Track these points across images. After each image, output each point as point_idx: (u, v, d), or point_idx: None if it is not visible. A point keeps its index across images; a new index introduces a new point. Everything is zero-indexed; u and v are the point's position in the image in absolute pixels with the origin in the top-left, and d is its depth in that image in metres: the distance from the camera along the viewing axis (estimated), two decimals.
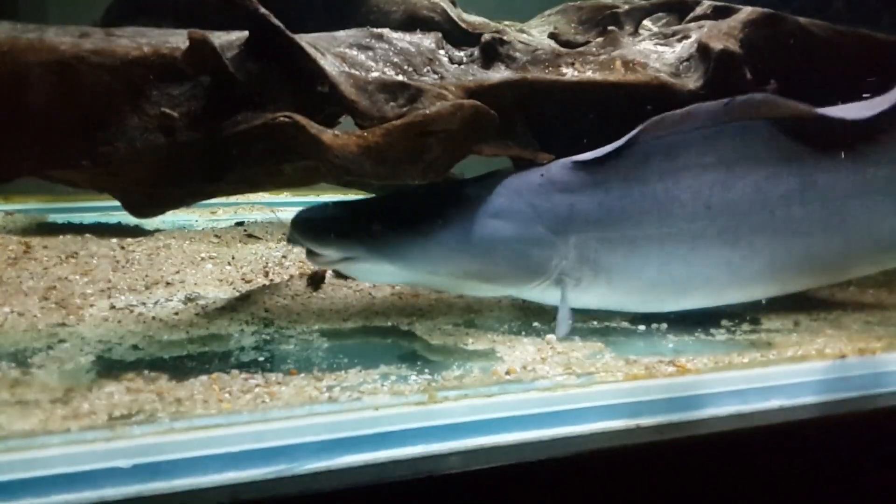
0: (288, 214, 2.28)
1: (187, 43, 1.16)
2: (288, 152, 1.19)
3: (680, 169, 1.38)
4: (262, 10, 1.20)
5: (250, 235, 1.96)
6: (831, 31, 1.56)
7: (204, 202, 2.39)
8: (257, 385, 1.12)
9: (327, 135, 1.18)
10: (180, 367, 1.19)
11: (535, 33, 1.83)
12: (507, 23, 1.96)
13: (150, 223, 2.07)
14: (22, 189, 2.30)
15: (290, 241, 1.31)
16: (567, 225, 1.37)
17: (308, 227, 1.31)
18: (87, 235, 1.84)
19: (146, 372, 1.14)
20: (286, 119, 1.17)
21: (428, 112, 1.20)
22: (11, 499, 0.86)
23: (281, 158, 1.21)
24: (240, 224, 2.10)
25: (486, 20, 1.81)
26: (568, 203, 1.37)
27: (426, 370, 1.20)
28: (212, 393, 1.08)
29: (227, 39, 1.27)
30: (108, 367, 1.17)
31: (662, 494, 1.10)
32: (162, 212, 1.42)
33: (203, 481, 0.92)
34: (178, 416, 1.01)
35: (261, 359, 1.24)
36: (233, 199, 2.45)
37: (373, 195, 1.62)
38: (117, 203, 1.58)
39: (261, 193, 2.51)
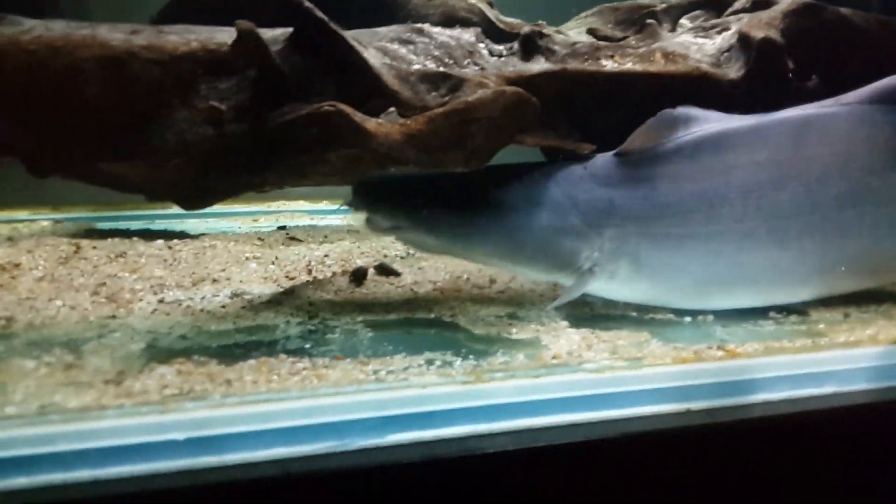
0: (329, 221, 2.35)
1: (235, 35, 1.19)
2: (333, 140, 1.21)
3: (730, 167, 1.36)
4: (307, 3, 1.23)
5: (292, 238, 1.98)
6: (873, 21, 1.55)
7: (246, 210, 2.46)
8: (305, 368, 1.13)
9: (371, 123, 1.20)
10: (228, 353, 1.21)
11: (573, 34, 1.85)
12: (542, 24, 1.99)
13: (195, 228, 2.11)
14: (69, 199, 2.35)
15: (349, 204, 1.37)
16: (604, 218, 1.37)
17: (365, 193, 1.39)
18: (135, 239, 1.88)
19: (196, 357, 1.16)
20: (331, 108, 1.19)
21: (470, 99, 1.21)
22: (68, 469, 0.88)
23: (326, 147, 1.23)
24: (282, 228, 2.13)
25: (522, 22, 1.83)
26: (607, 197, 1.37)
27: (471, 356, 1.19)
28: (260, 375, 1.09)
29: (273, 35, 1.30)
30: (158, 354, 1.19)
31: (711, 478, 1.09)
32: (211, 203, 1.44)
33: (254, 456, 0.93)
34: (228, 394, 1.03)
35: (307, 346, 1.25)
36: (274, 206, 2.49)
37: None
38: (162, 211, 1.64)
39: (301, 202, 2.55)
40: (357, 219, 2.30)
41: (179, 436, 0.92)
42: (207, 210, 2.37)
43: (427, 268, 1.71)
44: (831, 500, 1.15)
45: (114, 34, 1.26)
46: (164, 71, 1.25)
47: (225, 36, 1.28)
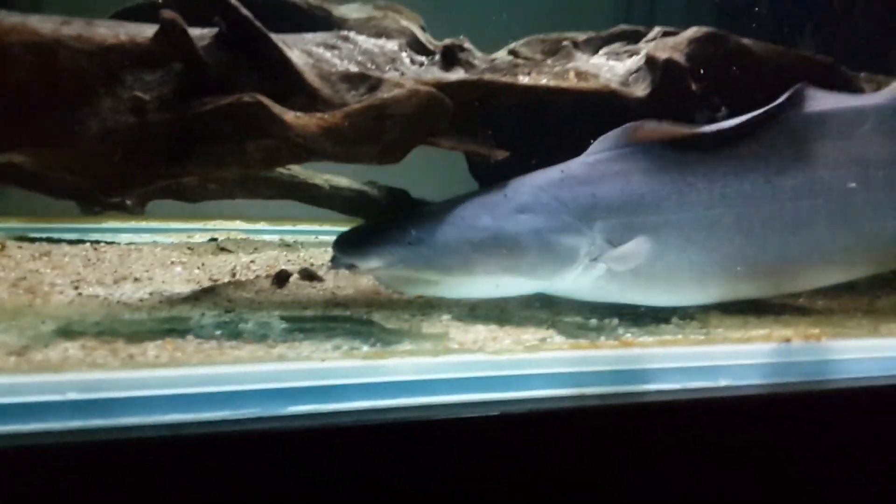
0: (265, 235, 2.38)
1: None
2: (251, 130, 1.26)
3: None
4: (234, 1, 1.29)
5: (223, 249, 2.00)
6: (772, 52, 1.66)
7: (182, 227, 2.47)
8: (211, 349, 1.15)
9: (289, 114, 1.25)
10: (137, 335, 1.22)
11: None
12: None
13: (124, 237, 2.12)
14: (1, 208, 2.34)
15: (333, 262, 1.41)
16: (591, 211, 1.46)
17: (349, 244, 1.42)
18: (63, 244, 1.88)
19: (103, 336, 1.17)
20: (250, 98, 1.23)
21: (385, 96, 1.27)
22: None
23: (245, 137, 1.27)
24: (213, 240, 2.14)
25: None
26: (590, 192, 1.46)
27: (379, 344, 1.23)
28: (164, 350, 1.11)
29: (201, 32, 1.35)
30: (67, 334, 1.20)
31: (603, 459, 1.13)
32: (131, 192, 1.47)
33: (149, 420, 0.95)
34: (128, 364, 1.04)
35: (217, 332, 1.27)
36: (211, 224, 2.50)
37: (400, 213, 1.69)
38: (96, 225, 1.65)
39: (238, 221, 2.57)
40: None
41: (73, 396, 0.93)
42: (142, 225, 2.38)
43: (351, 276, 1.74)
44: (715, 486, 1.20)
45: (44, 24, 1.29)
46: (91, 61, 1.28)
47: (154, 30, 1.33)
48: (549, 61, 1.61)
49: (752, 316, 1.56)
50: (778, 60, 1.67)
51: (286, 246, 2.13)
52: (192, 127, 1.26)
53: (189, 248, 1.99)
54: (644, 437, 1.15)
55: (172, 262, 1.77)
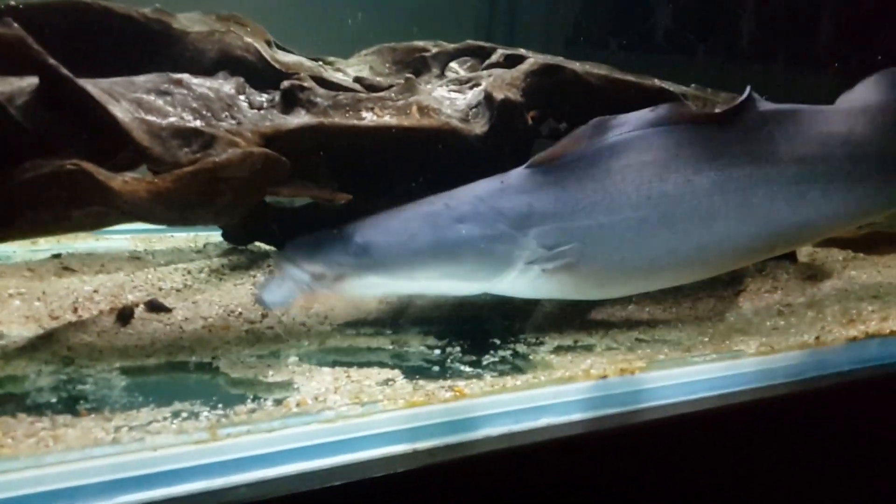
0: (114, 243, 2.31)
1: None
2: (76, 199, 1.22)
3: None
4: (51, 60, 1.23)
5: (66, 268, 1.94)
6: (605, 80, 1.75)
7: None
8: (43, 429, 1.14)
9: (116, 181, 1.22)
10: None
11: (351, 71, 1.93)
12: (329, 59, 2.06)
13: None
14: None
15: (277, 267, 1.48)
16: (527, 220, 1.57)
17: (297, 252, 1.49)
18: None
19: None
20: (73, 166, 1.20)
21: (218, 160, 1.27)
22: None
23: (70, 205, 1.23)
24: (56, 256, 2.07)
25: (301, 60, 1.89)
26: (527, 202, 1.58)
27: (220, 405, 1.25)
28: None
29: (19, 86, 1.28)
30: None
31: None
32: None
33: None
34: None
35: (54, 400, 1.26)
36: None
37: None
38: None
39: None
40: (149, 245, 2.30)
41: None
42: None
43: (201, 301, 1.74)
44: None
45: None
46: None
47: None
48: (392, 93, 1.63)
49: (583, 332, 1.69)
50: (609, 87, 1.76)
51: (135, 259, 2.09)
52: (14, 194, 1.21)
53: (30, 270, 1.91)
54: (473, 485, 1.25)
55: (10, 295, 1.70)
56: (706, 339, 1.69)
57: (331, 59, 2.05)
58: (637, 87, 1.79)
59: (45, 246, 2.25)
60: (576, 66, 1.74)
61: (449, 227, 1.55)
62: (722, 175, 1.68)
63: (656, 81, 1.85)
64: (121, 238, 2.33)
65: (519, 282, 1.62)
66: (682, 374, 1.50)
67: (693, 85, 2.07)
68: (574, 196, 1.60)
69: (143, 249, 2.21)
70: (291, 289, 1.51)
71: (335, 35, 2.43)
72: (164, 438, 1.12)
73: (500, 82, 1.61)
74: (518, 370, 1.49)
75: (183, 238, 2.38)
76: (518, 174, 1.62)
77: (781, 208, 1.74)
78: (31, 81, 1.30)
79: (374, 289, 1.61)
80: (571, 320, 1.75)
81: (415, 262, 1.55)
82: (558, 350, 1.60)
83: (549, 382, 1.40)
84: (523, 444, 1.29)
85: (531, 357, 1.56)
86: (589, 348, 1.62)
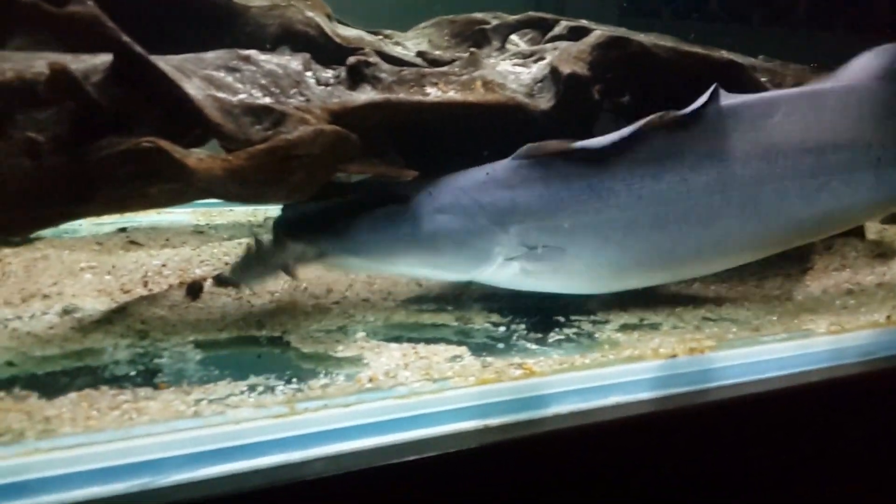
0: (176, 217, 2.34)
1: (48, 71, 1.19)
2: (153, 176, 1.24)
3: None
4: (125, 38, 1.24)
5: (132, 242, 1.98)
6: (673, 52, 1.71)
7: None
8: (126, 401, 1.17)
9: (192, 159, 1.24)
10: (52, 383, 1.23)
11: (410, 45, 1.92)
12: (386, 32, 2.04)
13: None
14: None
15: (274, 239, 1.51)
16: (508, 216, 1.53)
17: (286, 227, 1.51)
18: None
19: (16, 390, 1.18)
20: (149, 144, 1.21)
21: (290, 137, 1.27)
22: None
23: (146, 182, 1.25)
24: (122, 230, 2.11)
25: (361, 34, 1.88)
26: (509, 197, 1.53)
27: (294, 379, 1.27)
28: (80, 409, 1.13)
29: (93, 63, 1.30)
30: None
31: (510, 492, 1.22)
32: (32, 232, 1.44)
33: (68, 496, 0.98)
34: (45, 434, 1.06)
35: (132, 373, 1.29)
36: None
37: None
38: None
39: None
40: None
41: None
42: None
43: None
44: None
45: None
46: None
47: (42, 64, 1.27)
48: (456, 67, 1.61)
49: (649, 311, 1.67)
50: (678, 60, 1.72)
51: (199, 233, 2.12)
52: (93, 171, 1.23)
53: (98, 244, 1.95)
54: (543, 462, 1.25)
55: (82, 269, 1.74)
56: (774, 318, 1.66)
57: (387, 32, 2.04)
58: (705, 60, 1.75)
59: (110, 220, 2.30)
60: (642, 38, 1.70)
61: (428, 217, 1.52)
62: (723, 172, 1.59)
63: (724, 53, 1.80)
64: (182, 212, 2.37)
65: (500, 275, 1.58)
66: (752, 354, 1.47)
67: (761, 56, 2.01)
68: (559, 194, 1.54)
69: (205, 223, 2.24)
70: (264, 267, 1.54)
71: (387, 6, 2.40)
72: (245, 412, 1.14)
73: (567, 56, 1.59)
74: (585, 348, 1.48)
75: (242, 212, 2.41)
76: (505, 167, 1.56)
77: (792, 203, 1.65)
78: (105, 59, 1.31)
79: (355, 269, 1.63)
80: (636, 298, 1.73)
81: (394, 248, 1.54)
82: (624, 328, 1.59)
83: (619, 361, 1.39)
84: (593, 421, 1.29)
85: (597, 335, 1.55)
86: (655, 327, 1.60)
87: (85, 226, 2.22)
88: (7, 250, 1.80)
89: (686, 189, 1.58)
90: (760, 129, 1.62)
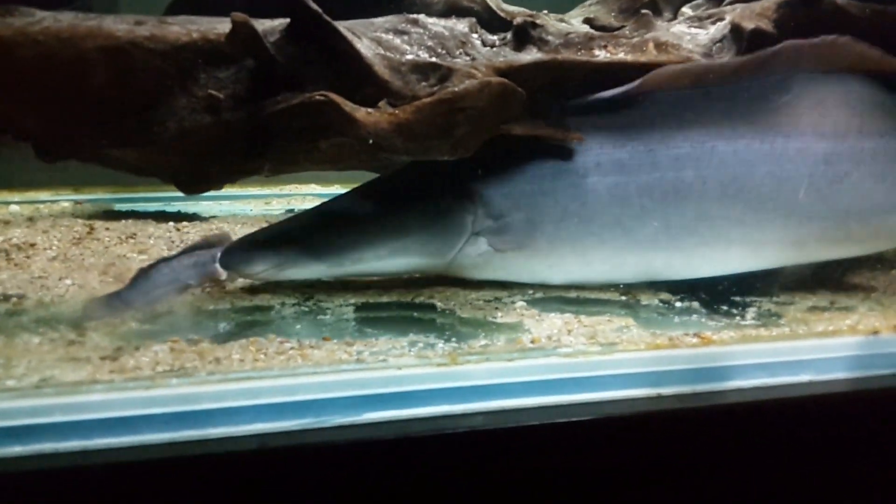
0: None
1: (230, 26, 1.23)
2: (323, 129, 1.26)
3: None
4: None
5: None
6: (870, 11, 1.54)
7: (259, 193, 2.52)
8: (292, 348, 1.18)
9: (361, 112, 1.24)
10: (220, 332, 1.27)
11: (575, 23, 1.86)
12: (547, 13, 2.00)
13: (207, 211, 2.18)
14: (90, 180, 2.43)
15: (225, 268, 1.37)
16: (477, 185, 1.44)
17: (235, 253, 1.38)
18: (147, 220, 1.95)
19: (190, 335, 1.22)
20: (322, 97, 1.23)
21: (457, 89, 1.25)
22: (61, 439, 0.94)
23: (317, 135, 1.27)
24: (291, 212, 2.18)
25: (525, 11, 1.85)
26: (475, 165, 1.43)
27: (454, 339, 1.24)
28: (248, 352, 1.15)
29: (271, 25, 1.34)
30: (155, 335, 1.25)
31: (683, 462, 1.12)
32: (209, 188, 1.50)
33: (235, 431, 0.99)
34: (215, 371, 1.08)
35: (298, 327, 1.30)
36: (287, 189, 2.55)
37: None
38: (178, 193, 1.70)
39: (313, 185, 2.61)
40: None
41: (165, 410, 0.98)
42: (221, 193, 2.44)
43: None
44: (802, 489, 1.18)
45: (118, 25, 1.31)
46: (165, 60, 1.30)
47: (225, 27, 1.32)
48: (626, 31, 1.54)
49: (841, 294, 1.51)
50: (874, 19, 1.55)
51: None
52: (267, 125, 1.27)
53: (268, 222, 2.02)
54: (723, 436, 1.14)
55: None
56: None
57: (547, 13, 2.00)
58: None
59: (278, 206, 2.40)
60: None
61: (393, 202, 1.46)
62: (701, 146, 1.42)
63: None
64: None
65: (470, 259, 1.47)
66: None
67: None
68: (521, 161, 1.44)
69: None
70: (165, 288, 1.34)
71: None
72: (406, 360, 1.12)
73: (750, 13, 1.47)
74: (770, 325, 1.34)
75: None
76: None
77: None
78: (282, 21, 1.35)
79: (316, 276, 1.48)
80: (824, 282, 1.56)
81: (360, 243, 1.43)
82: (812, 310, 1.44)
83: (811, 335, 1.26)
84: (780, 397, 1.16)
85: (782, 316, 1.41)
86: (849, 309, 1.44)
87: (255, 210, 2.32)
88: (186, 223, 1.90)
89: (651, 161, 1.42)
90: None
